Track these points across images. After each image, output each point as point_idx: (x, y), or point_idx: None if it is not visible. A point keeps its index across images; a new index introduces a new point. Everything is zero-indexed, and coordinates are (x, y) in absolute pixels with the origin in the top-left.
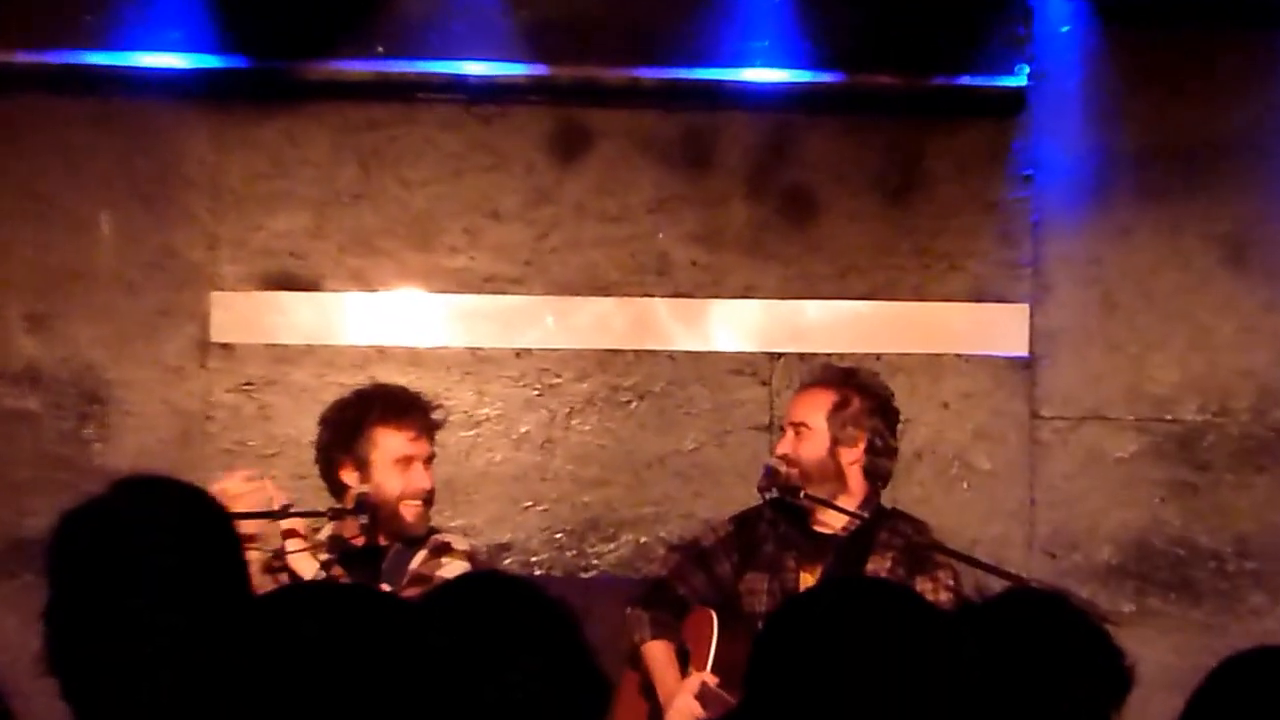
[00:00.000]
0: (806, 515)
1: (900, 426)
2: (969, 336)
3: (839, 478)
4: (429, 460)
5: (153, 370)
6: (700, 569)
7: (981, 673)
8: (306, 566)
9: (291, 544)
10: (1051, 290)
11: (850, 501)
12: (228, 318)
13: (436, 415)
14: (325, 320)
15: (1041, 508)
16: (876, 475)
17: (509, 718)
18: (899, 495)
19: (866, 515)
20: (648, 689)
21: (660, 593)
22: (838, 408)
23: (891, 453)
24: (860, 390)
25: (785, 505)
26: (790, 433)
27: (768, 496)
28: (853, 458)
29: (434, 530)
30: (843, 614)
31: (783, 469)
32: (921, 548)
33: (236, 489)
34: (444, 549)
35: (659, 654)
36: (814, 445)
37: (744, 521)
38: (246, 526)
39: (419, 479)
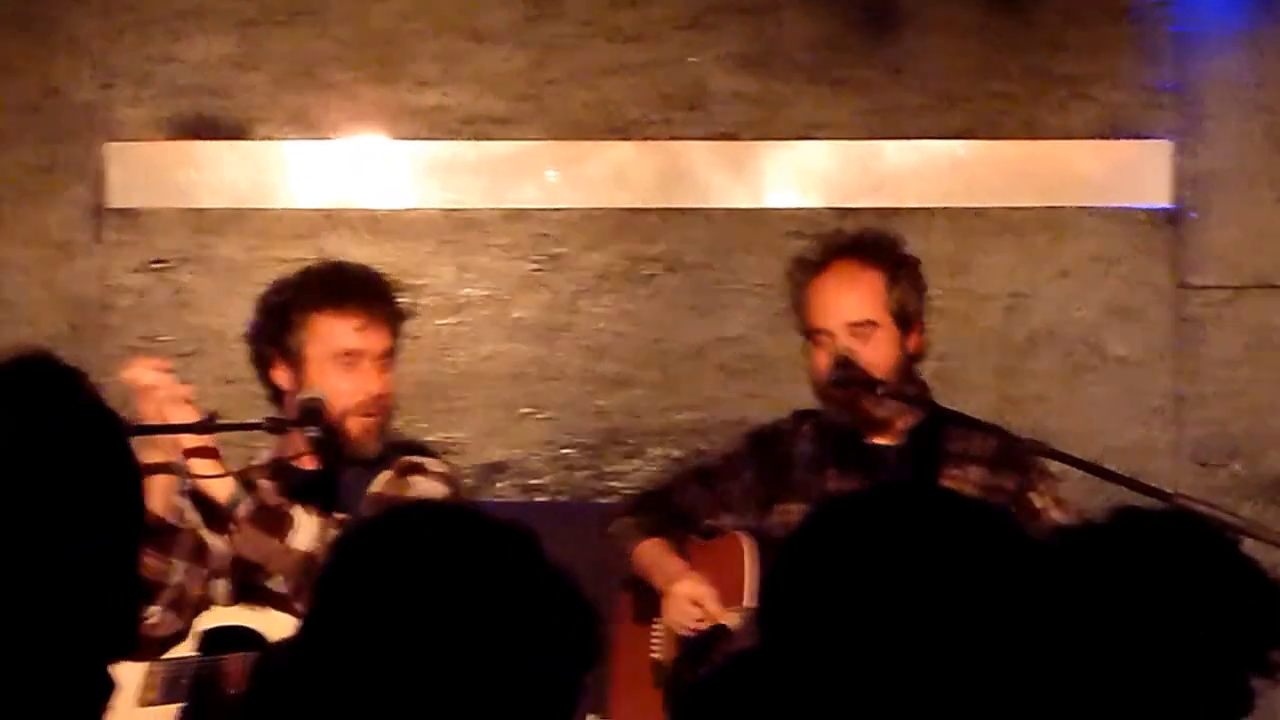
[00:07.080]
0: (858, 426)
1: (1007, 303)
2: (1097, 184)
3: (911, 378)
4: (385, 358)
5: (32, 245)
6: (703, 486)
7: (1078, 614)
8: (220, 489)
9: (198, 464)
10: (1203, 123)
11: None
12: (128, 176)
13: (400, 300)
14: (257, 177)
15: (1192, 404)
16: (920, 360)
17: (471, 670)
18: (1011, 392)
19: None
20: (647, 608)
21: (652, 501)
22: (891, 288)
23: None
24: (901, 257)
25: (827, 418)
26: (842, 338)
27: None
28: (916, 345)
29: (401, 448)
30: (885, 522)
31: (860, 358)
32: (1020, 450)
33: (147, 379)
34: (413, 469)
35: (653, 548)
36: (886, 346)
37: (763, 440)
38: (155, 446)
39: (367, 382)
